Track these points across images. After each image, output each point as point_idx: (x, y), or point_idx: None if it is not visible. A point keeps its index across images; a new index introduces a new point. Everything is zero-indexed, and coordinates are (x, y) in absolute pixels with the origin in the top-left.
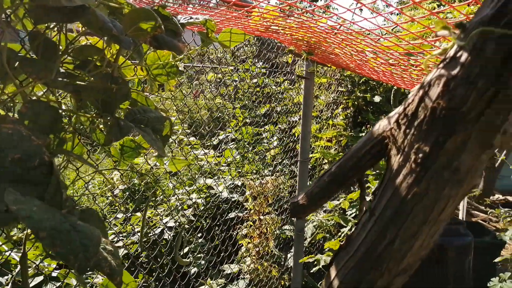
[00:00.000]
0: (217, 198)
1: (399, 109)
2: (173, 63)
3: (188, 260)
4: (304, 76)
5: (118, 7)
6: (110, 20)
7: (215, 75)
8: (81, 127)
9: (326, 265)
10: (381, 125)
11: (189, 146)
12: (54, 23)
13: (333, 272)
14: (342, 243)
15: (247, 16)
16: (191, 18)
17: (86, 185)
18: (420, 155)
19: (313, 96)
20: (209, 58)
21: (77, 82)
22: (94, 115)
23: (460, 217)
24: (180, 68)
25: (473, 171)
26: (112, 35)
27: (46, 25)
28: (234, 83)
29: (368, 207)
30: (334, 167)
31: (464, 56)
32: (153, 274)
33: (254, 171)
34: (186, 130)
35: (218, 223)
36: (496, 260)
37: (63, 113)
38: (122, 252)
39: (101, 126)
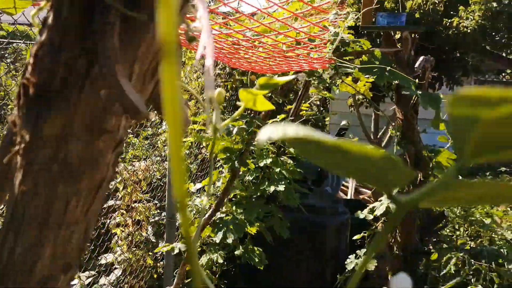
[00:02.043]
0: None
1: None
2: None
3: None
4: None
5: None
6: None
7: None
8: None
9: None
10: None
11: None
12: None
13: None
14: None
15: None
16: None
17: None
18: (23, 145)
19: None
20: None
21: None
22: None
23: (349, 195)
24: None
25: (91, 163)
26: None
27: None
28: None
29: None
30: None
31: (50, 16)
32: None
33: (144, 157)
34: None
35: None
36: (354, 237)
37: None
38: None
39: None
